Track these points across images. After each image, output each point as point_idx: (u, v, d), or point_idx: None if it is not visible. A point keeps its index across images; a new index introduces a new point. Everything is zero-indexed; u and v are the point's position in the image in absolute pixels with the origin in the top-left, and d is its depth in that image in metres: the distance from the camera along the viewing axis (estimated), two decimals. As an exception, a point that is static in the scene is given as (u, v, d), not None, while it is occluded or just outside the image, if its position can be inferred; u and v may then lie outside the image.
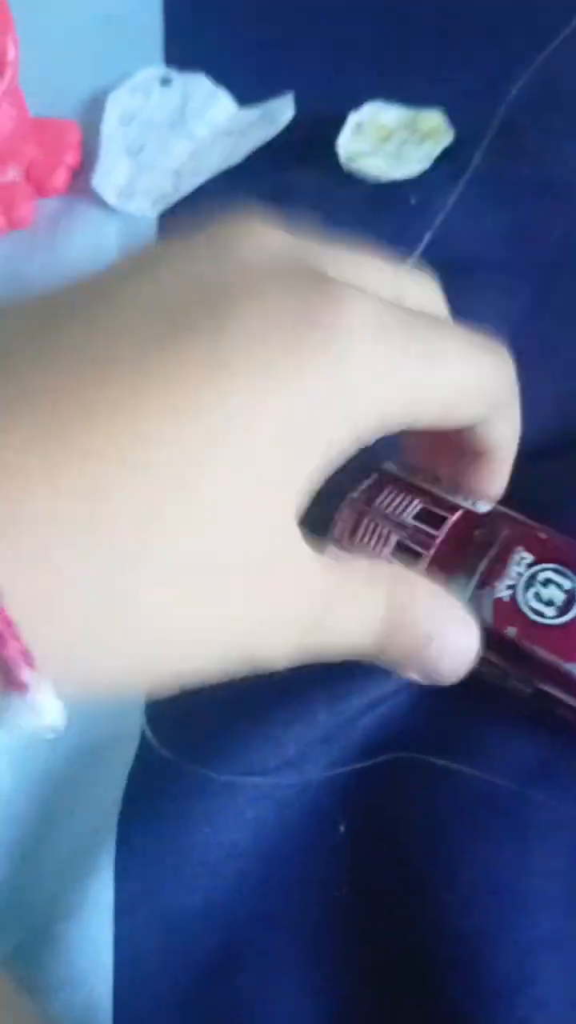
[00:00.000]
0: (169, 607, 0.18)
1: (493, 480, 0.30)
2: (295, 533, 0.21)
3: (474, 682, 0.31)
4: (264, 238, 0.22)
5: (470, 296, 0.37)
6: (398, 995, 0.27)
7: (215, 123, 0.47)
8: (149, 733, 0.32)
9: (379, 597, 0.24)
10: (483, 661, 0.29)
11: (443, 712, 0.31)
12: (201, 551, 0.18)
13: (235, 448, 0.19)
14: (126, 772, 0.32)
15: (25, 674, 0.17)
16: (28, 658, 0.17)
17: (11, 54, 0.43)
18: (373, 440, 0.22)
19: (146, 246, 0.23)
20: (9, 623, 0.17)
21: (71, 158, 0.47)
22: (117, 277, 0.20)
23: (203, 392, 0.18)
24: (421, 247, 0.37)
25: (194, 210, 0.36)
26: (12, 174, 0.45)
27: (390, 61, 0.48)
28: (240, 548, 0.19)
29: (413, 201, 0.42)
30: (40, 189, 0.46)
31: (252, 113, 0.47)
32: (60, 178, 0.46)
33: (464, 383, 0.24)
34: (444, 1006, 0.26)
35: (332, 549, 0.27)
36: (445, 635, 0.25)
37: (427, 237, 0.38)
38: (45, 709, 0.17)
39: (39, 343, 0.18)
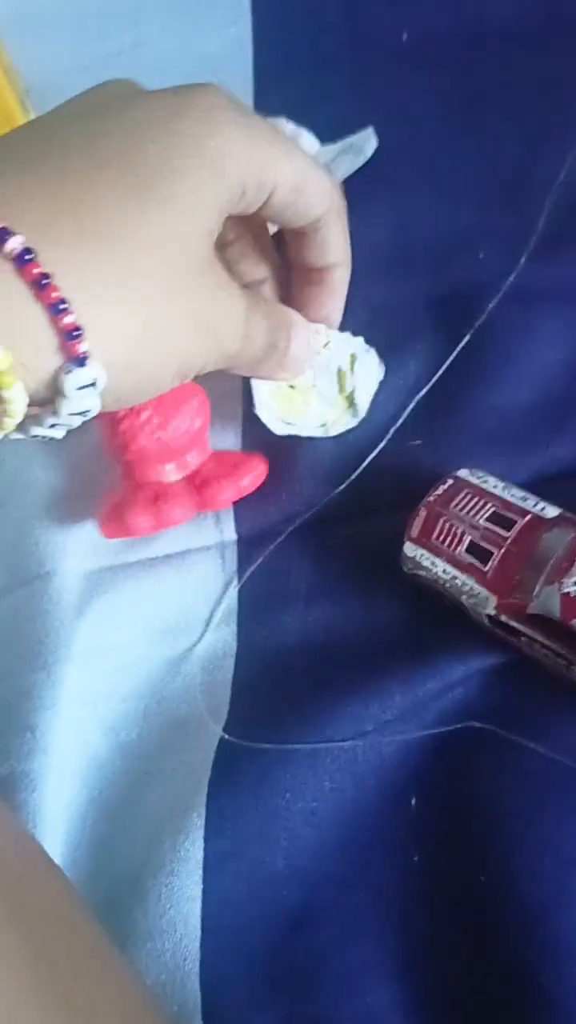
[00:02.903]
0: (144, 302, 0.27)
1: (333, 300, 0.36)
2: (211, 256, 0.29)
3: (541, 671, 0.33)
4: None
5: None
6: (466, 954, 0.30)
7: None
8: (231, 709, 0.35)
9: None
10: (550, 651, 0.32)
11: (512, 696, 0.33)
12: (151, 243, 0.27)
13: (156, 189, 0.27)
14: (216, 742, 0.34)
15: (81, 345, 0.25)
16: (80, 331, 0.24)
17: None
18: (248, 207, 0.30)
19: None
20: (62, 300, 0.24)
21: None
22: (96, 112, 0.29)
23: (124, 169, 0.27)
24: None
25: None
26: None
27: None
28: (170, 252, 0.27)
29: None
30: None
31: (336, 147, 0.51)
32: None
33: (308, 174, 0.32)
34: (510, 965, 0.29)
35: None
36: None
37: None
38: (99, 380, 0.25)
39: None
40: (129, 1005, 0.27)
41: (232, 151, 0.28)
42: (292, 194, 0.31)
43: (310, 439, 0.41)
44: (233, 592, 0.39)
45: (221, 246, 0.36)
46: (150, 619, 0.38)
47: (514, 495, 0.35)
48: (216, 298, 0.29)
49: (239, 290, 0.31)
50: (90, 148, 0.27)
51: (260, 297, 0.33)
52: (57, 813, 0.35)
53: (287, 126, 0.54)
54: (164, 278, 0.27)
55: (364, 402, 0.40)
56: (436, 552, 0.35)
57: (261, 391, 0.38)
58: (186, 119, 0.28)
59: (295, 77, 0.55)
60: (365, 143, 0.50)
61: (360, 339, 0.40)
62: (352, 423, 0.40)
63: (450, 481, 0.36)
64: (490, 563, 0.34)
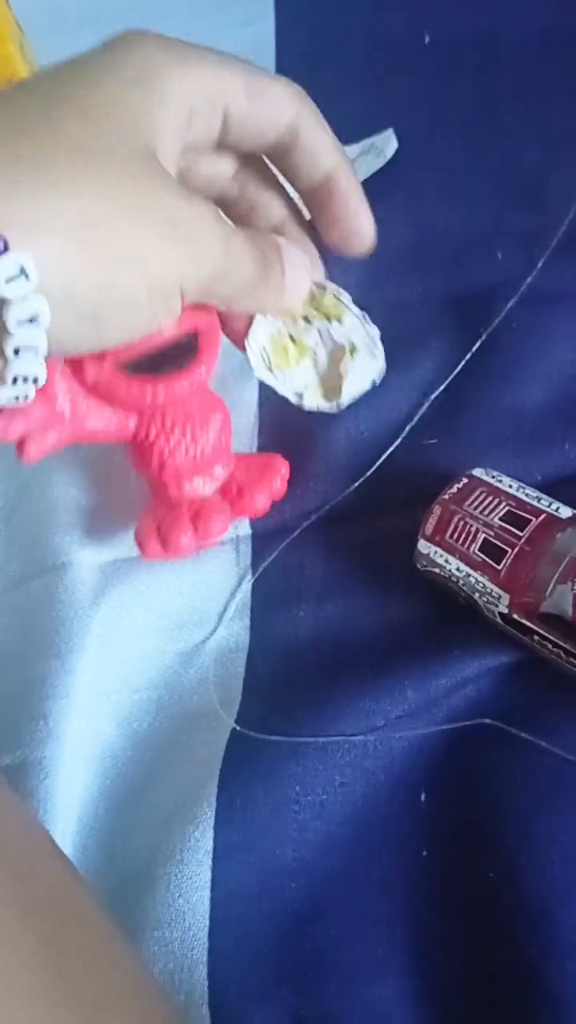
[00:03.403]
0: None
1: (351, 205, 0.35)
2: (162, 171, 0.29)
3: (553, 671, 0.33)
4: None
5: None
6: (474, 950, 0.30)
7: None
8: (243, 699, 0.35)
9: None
10: (561, 651, 0.32)
11: (523, 695, 0.33)
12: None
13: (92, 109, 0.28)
14: (227, 734, 0.35)
15: None
16: None
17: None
18: (210, 129, 0.31)
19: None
20: None
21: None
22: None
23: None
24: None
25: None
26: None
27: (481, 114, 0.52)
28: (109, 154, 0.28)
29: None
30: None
31: (356, 148, 0.51)
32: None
33: (259, 78, 0.32)
34: (518, 961, 0.29)
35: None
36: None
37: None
38: (27, 267, 0.25)
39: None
40: (137, 997, 0.27)
41: (162, 71, 0.30)
42: (250, 102, 0.32)
43: (325, 434, 0.41)
44: (247, 586, 0.39)
45: (226, 200, 0.36)
46: (164, 612, 0.39)
47: (528, 495, 0.35)
48: (178, 206, 0.29)
49: (209, 205, 0.31)
50: (35, 90, 0.29)
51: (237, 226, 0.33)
52: (68, 801, 0.35)
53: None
54: (102, 179, 0.28)
55: (348, 395, 0.39)
56: (450, 550, 0.35)
57: (259, 331, 0.37)
58: (118, 50, 0.30)
59: (316, 76, 0.55)
60: (385, 144, 0.51)
61: (377, 332, 0.38)
62: (327, 408, 0.39)
63: (465, 480, 0.36)
64: (504, 562, 0.34)
